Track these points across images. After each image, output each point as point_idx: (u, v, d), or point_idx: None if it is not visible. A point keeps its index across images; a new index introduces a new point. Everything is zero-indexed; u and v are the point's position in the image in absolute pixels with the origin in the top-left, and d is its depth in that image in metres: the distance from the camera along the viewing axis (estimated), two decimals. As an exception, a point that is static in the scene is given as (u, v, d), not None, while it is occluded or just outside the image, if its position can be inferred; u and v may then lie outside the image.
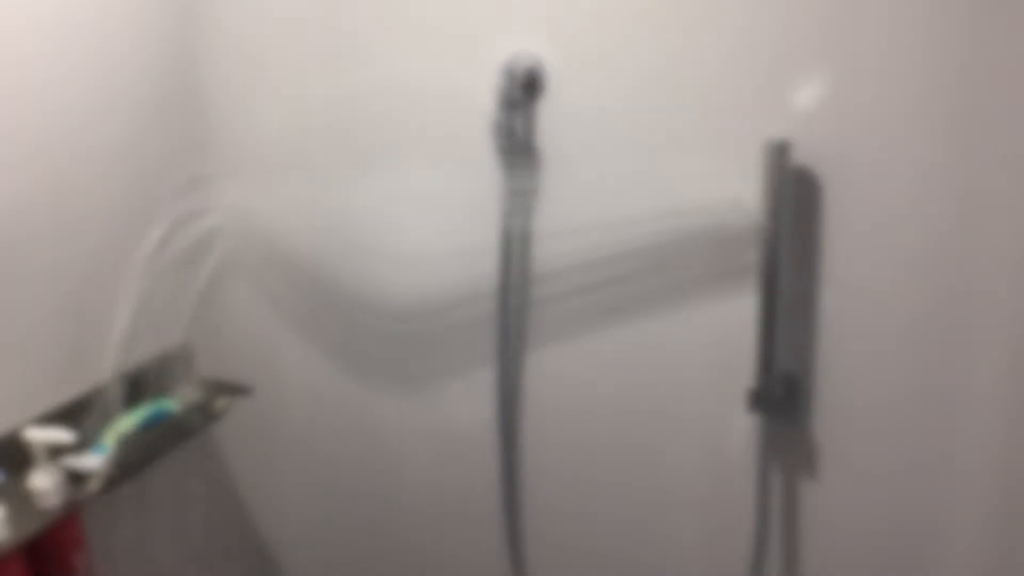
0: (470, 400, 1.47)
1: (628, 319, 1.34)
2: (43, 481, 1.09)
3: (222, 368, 1.53)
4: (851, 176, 1.17)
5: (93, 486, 1.13)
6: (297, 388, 1.58)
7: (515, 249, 1.36)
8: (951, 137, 1.12)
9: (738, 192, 1.22)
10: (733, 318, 1.27)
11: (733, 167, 1.22)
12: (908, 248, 1.16)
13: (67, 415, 1.22)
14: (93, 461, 1.17)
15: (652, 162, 1.27)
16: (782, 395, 1.25)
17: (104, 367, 1.31)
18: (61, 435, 1.10)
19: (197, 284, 1.50)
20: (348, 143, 1.43)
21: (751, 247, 1.23)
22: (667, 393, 1.35)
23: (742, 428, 1.31)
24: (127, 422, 1.27)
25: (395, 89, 1.38)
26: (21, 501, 1.09)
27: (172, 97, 1.42)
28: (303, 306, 1.53)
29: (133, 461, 1.23)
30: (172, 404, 1.35)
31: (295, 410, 1.60)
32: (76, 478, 1.15)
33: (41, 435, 1.10)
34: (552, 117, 1.31)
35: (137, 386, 1.35)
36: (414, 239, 1.43)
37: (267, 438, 1.62)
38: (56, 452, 1.13)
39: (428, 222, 1.42)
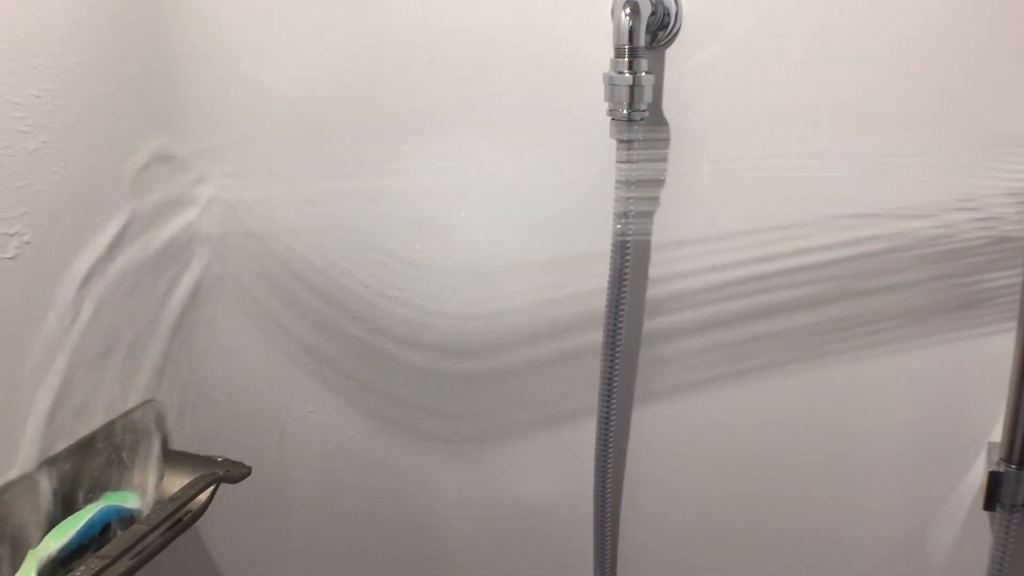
0: (555, 466, 1.07)
1: (793, 364, 0.94)
2: None
3: (207, 434, 1.12)
4: None
5: None
6: (313, 450, 1.18)
7: (632, 262, 0.94)
8: None
9: (981, 187, 0.83)
10: (962, 367, 0.89)
11: (976, 150, 0.83)
12: None
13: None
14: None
15: (842, 141, 0.87)
16: (1035, 484, 0.87)
17: (22, 453, 0.89)
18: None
19: (167, 313, 1.08)
20: (380, 112, 1.02)
21: (1002, 264, 0.85)
22: (851, 468, 0.96)
23: (967, 527, 0.93)
24: (57, 538, 0.84)
25: (452, 34, 0.97)
26: None
27: (126, 51, 1.00)
28: (319, 338, 1.12)
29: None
30: (130, 500, 0.93)
31: (311, 481, 1.20)
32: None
33: None
34: (689, 75, 0.90)
35: (77, 478, 0.93)
36: (480, 246, 1.02)
37: (273, 520, 1.22)
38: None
39: (502, 222, 1.01)
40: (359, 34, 1.00)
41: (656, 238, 0.95)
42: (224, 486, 1.00)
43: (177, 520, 0.93)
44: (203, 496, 0.95)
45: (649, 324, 0.98)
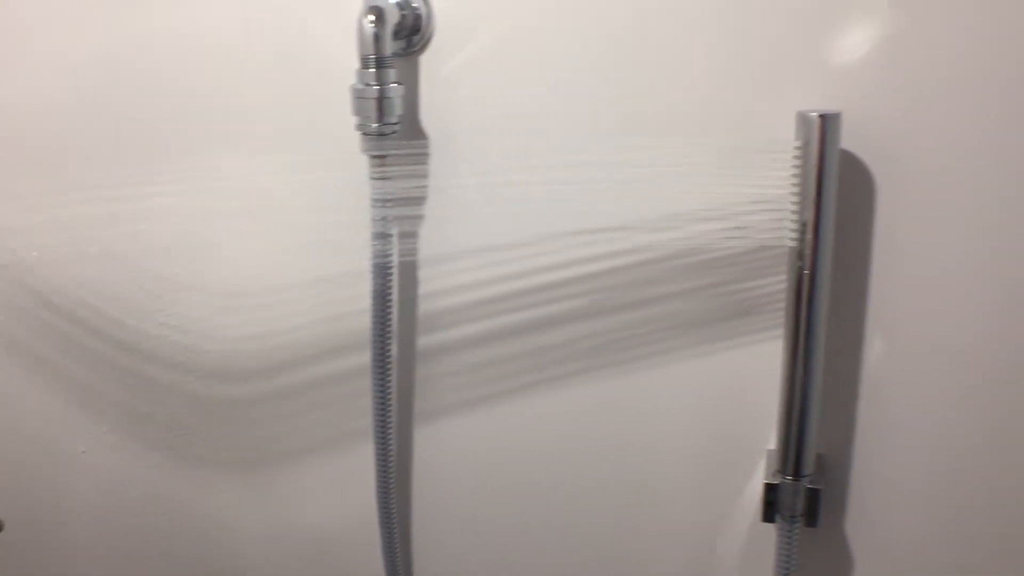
0: (342, 492, 1.02)
1: (570, 377, 0.91)
2: None
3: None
4: (915, 169, 0.75)
5: None
6: (90, 492, 1.11)
7: (398, 280, 0.91)
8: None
9: (725, 196, 0.80)
10: (734, 376, 0.86)
11: (718, 159, 0.79)
12: (995, 278, 0.75)
13: None
14: None
15: (606, 148, 0.83)
16: (811, 494, 0.83)
17: None
18: None
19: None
20: (129, 128, 0.96)
21: (765, 272, 0.82)
22: (633, 482, 0.93)
23: (752, 540, 0.90)
24: None
25: (200, 45, 0.91)
26: None
27: None
28: (85, 373, 1.05)
29: None
30: None
31: (90, 524, 1.12)
32: None
33: None
34: (445, 82, 0.86)
35: None
36: (247, 267, 0.97)
37: (53, 570, 1.14)
38: None
39: (267, 242, 0.96)
40: (100, 44, 0.94)
41: (423, 253, 0.91)
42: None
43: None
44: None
45: (424, 341, 0.94)
